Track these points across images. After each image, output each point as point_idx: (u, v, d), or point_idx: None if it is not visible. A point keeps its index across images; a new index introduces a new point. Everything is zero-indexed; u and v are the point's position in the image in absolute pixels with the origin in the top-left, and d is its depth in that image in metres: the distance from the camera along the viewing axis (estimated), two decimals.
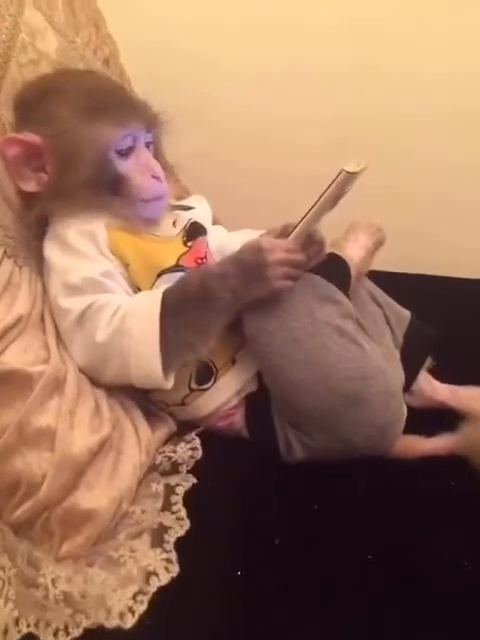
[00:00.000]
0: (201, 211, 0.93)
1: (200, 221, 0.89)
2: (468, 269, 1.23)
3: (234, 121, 1.38)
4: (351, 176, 0.68)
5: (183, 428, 0.86)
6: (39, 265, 0.80)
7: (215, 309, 0.74)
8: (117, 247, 0.78)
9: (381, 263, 0.98)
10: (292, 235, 0.74)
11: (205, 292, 0.73)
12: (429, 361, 0.95)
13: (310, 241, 0.77)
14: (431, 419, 0.88)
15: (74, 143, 0.76)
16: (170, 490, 0.75)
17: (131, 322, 0.73)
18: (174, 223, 0.87)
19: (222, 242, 0.96)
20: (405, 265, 1.23)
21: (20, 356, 0.70)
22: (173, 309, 0.73)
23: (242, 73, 1.35)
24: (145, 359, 0.73)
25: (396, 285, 1.01)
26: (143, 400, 0.84)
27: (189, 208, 0.91)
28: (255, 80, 1.34)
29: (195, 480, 0.77)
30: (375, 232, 0.97)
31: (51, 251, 0.78)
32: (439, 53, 1.28)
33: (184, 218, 0.88)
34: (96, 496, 0.69)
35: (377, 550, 0.72)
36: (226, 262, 0.74)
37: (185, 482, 0.76)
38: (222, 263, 0.75)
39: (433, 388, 0.95)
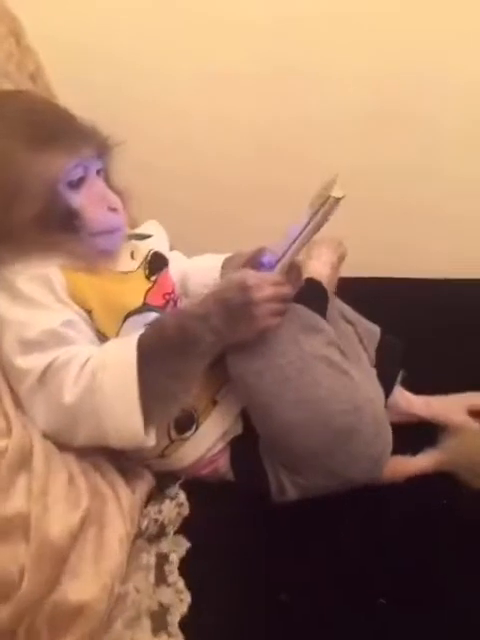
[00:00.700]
0: (159, 239, 0.85)
1: (161, 251, 0.81)
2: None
3: (156, 126, 1.30)
4: (337, 202, 0.62)
5: (162, 479, 0.78)
6: None
7: (197, 353, 0.66)
8: (77, 291, 0.69)
9: None
10: (278, 267, 0.67)
11: (186, 335, 0.65)
12: (401, 374, 0.93)
13: (289, 268, 0.71)
14: (410, 434, 0.85)
15: (18, 177, 0.66)
16: (163, 559, 0.67)
17: (104, 377, 0.64)
18: (132, 255, 0.78)
19: (181, 270, 0.88)
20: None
21: None
22: (151, 357, 0.65)
23: (167, 76, 1.27)
24: (123, 417, 0.64)
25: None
26: (117, 455, 0.75)
27: (146, 236, 0.82)
28: (180, 83, 1.27)
29: (188, 544, 0.70)
30: (337, 247, 0.93)
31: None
32: (366, 53, 1.26)
33: (142, 248, 0.79)
34: (84, 585, 0.60)
35: (388, 591, 0.68)
36: (207, 301, 0.67)
37: (178, 547, 0.69)
38: (203, 302, 0.67)
39: (408, 402, 0.93)
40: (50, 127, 0.68)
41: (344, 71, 1.25)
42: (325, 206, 0.62)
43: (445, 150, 1.32)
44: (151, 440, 0.67)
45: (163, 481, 0.79)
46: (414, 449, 0.83)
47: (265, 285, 0.66)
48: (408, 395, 0.93)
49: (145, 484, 0.75)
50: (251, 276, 0.66)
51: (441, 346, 1.05)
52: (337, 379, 0.72)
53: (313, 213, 0.64)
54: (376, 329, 0.94)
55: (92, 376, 0.64)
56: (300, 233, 0.65)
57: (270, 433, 0.72)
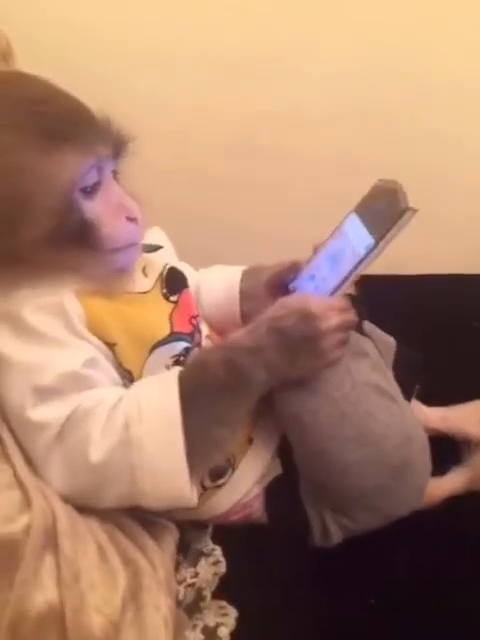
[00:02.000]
0: (169, 250, 0.73)
1: (176, 265, 0.70)
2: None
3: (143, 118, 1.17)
4: (414, 214, 0.54)
5: (183, 527, 0.68)
6: None
7: (248, 393, 0.56)
8: (98, 322, 0.57)
9: None
10: (342, 289, 0.58)
11: (236, 374, 0.55)
12: (417, 388, 0.88)
13: None
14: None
15: (26, 185, 0.53)
16: (210, 634, 0.57)
17: (141, 429, 0.53)
18: (144, 271, 0.66)
19: (194, 284, 0.76)
20: None
21: None
22: (195, 401, 0.54)
23: (147, 62, 1.14)
24: (166, 476, 0.54)
25: None
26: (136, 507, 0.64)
27: (156, 248, 0.70)
28: (162, 68, 1.14)
29: (235, 612, 0.60)
30: None
31: (0, 338, 0.54)
32: (343, 46, 1.18)
33: (156, 263, 0.67)
34: None
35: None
36: (258, 331, 0.56)
37: (224, 618, 0.59)
38: (252, 332, 0.57)
39: (425, 416, 0.88)
40: (61, 120, 0.55)
41: (336, 64, 1.17)
42: (403, 220, 0.54)
43: (430, 146, 1.27)
44: (195, 499, 0.56)
45: (184, 529, 0.68)
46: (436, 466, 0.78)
47: (331, 312, 0.56)
48: (425, 409, 0.88)
49: (171, 539, 0.64)
50: (315, 302, 0.56)
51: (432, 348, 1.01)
52: (389, 409, 0.65)
53: (384, 228, 0.55)
54: (391, 341, 0.87)
55: (124, 428, 0.53)
56: (372, 249, 0.55)
57: (322, 475, 0.63)
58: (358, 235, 0.59)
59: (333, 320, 0.56)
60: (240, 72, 1.15)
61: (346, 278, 0.58)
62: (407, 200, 0.55)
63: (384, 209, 0.57)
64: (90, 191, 0.56)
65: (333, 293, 0.59)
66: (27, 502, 0.50)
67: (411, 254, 1.11)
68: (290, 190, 1.26)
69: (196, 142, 1.19)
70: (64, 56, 1.07)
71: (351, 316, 0.59)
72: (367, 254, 0.56)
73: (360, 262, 0.57)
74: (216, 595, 0.63)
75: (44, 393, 0.53)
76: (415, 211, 0.54)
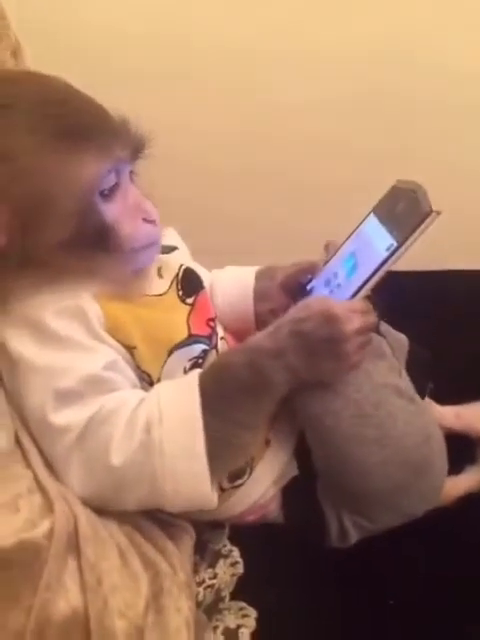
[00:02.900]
0: (184, 251, 0.72)
1: (192, 266, 0.69)
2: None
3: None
4: (437, 215, 0.54)
5: (199, 526, 0.68)
6: None
7: (269, 396, 0.56)
8: (118, 326, 0.56)
9: None
10: (363, 291, 0.58)
11: (258, 377, 0.55)
12: (430, 386, 0.88)
13: None
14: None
15: (45, 188, 0.52)
16: (231, 636, 0.57)
17: (162, 432, 0.53)
18: (160, 272, 0.66)
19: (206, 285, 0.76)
20: None
21: (12, 518, 0.47)
22: (216, 404, 0.54)
23: (148, 54, 1.13)
24: (188, 479, 0.53)
25: None
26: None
27: (171, 249, 0.70)
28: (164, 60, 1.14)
29: (254, 612, 0.60)
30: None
31: (21, 343, 0.54)
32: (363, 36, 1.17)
33: (171, 264, 0.67)
34: None
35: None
36: (279, 333, 0.56)
37: (245, 619, 0.59)
38: (273, 334, 0.56)
39: (438, 415, 0.87)
40: (80, 122, 0.54)
41: (338, 54, 1.17)
42: (426, 222, 0.53)
43: (434, 137, 1.26)
44: (216, 501, 0.56)
45: (200, 529, 0.68)
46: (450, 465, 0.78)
47: (353, 315, 0.56)
48: (438, 408, 0.87)
49: (189, 540, 0.64)
50: (337, 305, 0.56)
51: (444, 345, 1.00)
52: (408, 409, 0.65)
53: (407, 230, 0.54)
54: (404, 339, 0.87)
55: (145, 431, 0.53)
56: (394, 252, 0.55)
57: (342, 476, 0.63)
58: (378, 237, 0.59)
59: (356, 323, 0.56)
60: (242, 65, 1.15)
61: (367, 280, 0.57)
62: (429, 202, 0.55)
63: (405, 211, 0.57)
64: (108, 194, 0.56)
65: (354, 295, 0.58)
66: (49, 506, 0.50)
67: (421, 250, 1.12)
68: (295, 183, 1.26)
69: (198, 137, 1.18)
70: (70, 53, 1.06)
71: (373, 318, 0.59)
72: (389, 256, 0.55)
73: (382, 264, 0.56)
74: (234, 596, 0.63)
75: (66, 397, 0.53)
76: (438, 213, 0.53)
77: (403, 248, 0.55)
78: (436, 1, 1.15)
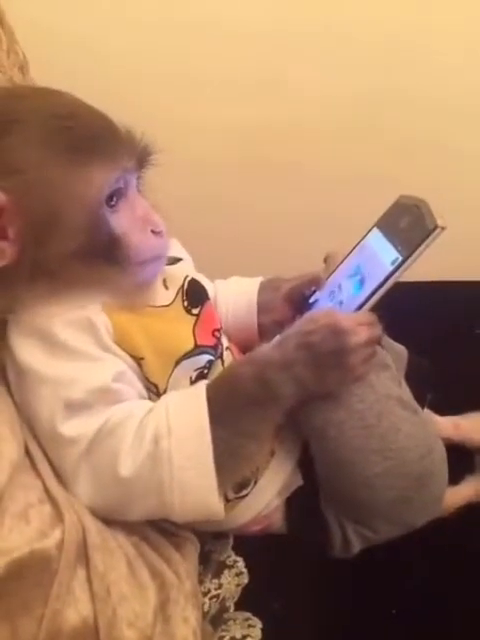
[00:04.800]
0: (188, 262, 0.73)
1: (196, 277, 0.70)
2: None
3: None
4: (442, 230, 0.55)
5: (203, 537, 0.68)
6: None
7: (276, 407, 0.57)
8: (126, 337, 0.57)
9: None
10: (369, 304, 0.59)
11: (266, 389, 0.55)
12: (429, 397, 0.89)
13: None
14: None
15: (55, 201, 0.53)
16: None
17: (170, 444, 0.53)
18: (165, 283, 0.66)
19: (211, 296, 0.77)
20: None
21: (24, 528, 0.47)
22: (224, 416, 0.55)
23: (150, 78, 1.14)
24: (195, 491, 0.54)
25: None
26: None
27: (176, 260, 0.70)
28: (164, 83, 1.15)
29: (259, 622, 0.60)
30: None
31: (30, 353, 0.54)
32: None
33: (176, 275, 0.67)
34: None
35: None
36: (286, 345, 0.57)
37: (251, 629, 0.59)
38: (280, 347, 0.57)
39: (437, 425, 0.88)
40: (88, 135, 0.55)
41: (337, 77, 1.18)
42: (431, 237, 0.54)
43: (433, 157, 1.28)
44: (222, 512, 0.56)
45: (204, 539, 0.69)
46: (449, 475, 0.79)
47: (359, 328, 0.57)
48: (437, 418, 0.87)
49: (194, 550, 0.65)
50: (343, 317, 0.57)
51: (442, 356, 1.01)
52: (411, 421, 0.65)
53: (413, 244, 0.55)
54: (403, 350, 0.88)
55: (153, 443, 0.53)
56: (399, 266, 0.56)
57: (345, 487, 0.63)
58: (383, 251, 0.60)
59: (362, 335, 0.57)
60: (241, 86, 1.16)
61: (373, 293, 0.58)
62: (433, 217, 0.56)
63: (410, 225, 0.58)
64: (115, 204, 0.57)
65: (359, 308, 0.59)
66: (59, 516, 0.50)
67: (420, 261, 1.14)
68: (292, 203, 1.27)
69: (197, 156, 1.18)
70: (69, 71, 1.07)
71: (378, 331, 0.60)
72: (395, 270, 0.57)
73: (388, 278, 0.57)
74: (238, 606, 0.63)
75: (75, 408, 0.54)
76: (443, 229, 0.54)
77: (408, 262, 0.56)
78: None
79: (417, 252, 0.55)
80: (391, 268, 0.57)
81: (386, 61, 1.15)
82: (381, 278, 0.57)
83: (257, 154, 1.21)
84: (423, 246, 0.55)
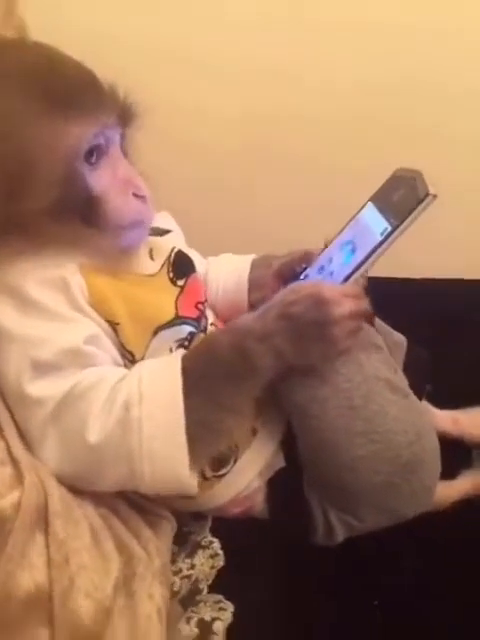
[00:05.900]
0: (178, 235, 0.71)
1: (184, 250, 0.68)
2: None
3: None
4: (434, 198, 0.52)
5: (182, 518, 0.66)
6: None
7: (254, 379, 0.54)
8: (102, 300, 0.55)
9: None
10: (356, 275, 0.56)
11: (243, 359, 0.53)
12: (427, 388, 0.86)
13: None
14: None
15: (28, 151, 0.51)
16: (206, 629, 0.55)
17: (141, 411, 0.51)
18: (151, 254, 0.64)
19: (202, 271, 0.75)
20: None
21: None
22: (200, 385, 0.52)
23: (150, 63, 1.12)
24: (166, 461, 0.52)
25: None
26: (132, 493, 0.62)
27: (165, 231, 0.69)
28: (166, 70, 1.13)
29: (231, 606, 0.58)
30: None
31: (1, 311, 0.53)
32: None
33: (163, 246, 0.66)
34: None
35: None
36: (267, 316, 0.54)
37: (221, 612, 0.57)
38: (260, 317, 0.55)
39: (435, 418, 0.85)
40: (65, 86, 0.53)
41: (337, 66, 1.16)
42: (422, 205, 0.52)
43: (433, 149, 1.25)
44: (195, 486, 0.54)
45: (182, 520, 0.67)
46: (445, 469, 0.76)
47: (344, 299, 0.54)
48: (435, 411, 0.85)
49: (169, 529, 0.62)
50: (327, 288, 0.54)
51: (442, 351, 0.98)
52: (401, 405, 0.63)
53: (403, 214, 0.53)
54: (402, 339, 0.85)
55: (124, 409, 0.51)
56: (388, 235, 0.54)
57: (328, 469, 0.61)
58: (374, 223, 0.57)
59: (346, 307, 0.54)
60: (244, 74, 1.14)
61: (360, 264, 0.56)
62: (426, 186, 0.53)
63: (403, 197, 0.55)
64: (95, 162, 0.55)
65: (346, 280, 0.57)
66: (19, 478, 0.49)
67: (420, 258, 1.11)
68: (294, 190, 1.25)
69: (197, 144, 1.18)
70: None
71: (364, 304, 0.57)
72: (383, 240, 0.54)
73: (376, 248, 0.55)
74: (213, 589, 0.61)
75: (43, 368, 0.52)
76: (435, 196, 0.52)
77: (397, 231, 0.53)
78: None
79: (407, 221, 0.53)
80: (380, 238, 0.54)
81: (389, 50, 1.14)
82: (370, 248, 0.55)
83: (259, 141, 1.19)
84: (415, 213, 0.52)
